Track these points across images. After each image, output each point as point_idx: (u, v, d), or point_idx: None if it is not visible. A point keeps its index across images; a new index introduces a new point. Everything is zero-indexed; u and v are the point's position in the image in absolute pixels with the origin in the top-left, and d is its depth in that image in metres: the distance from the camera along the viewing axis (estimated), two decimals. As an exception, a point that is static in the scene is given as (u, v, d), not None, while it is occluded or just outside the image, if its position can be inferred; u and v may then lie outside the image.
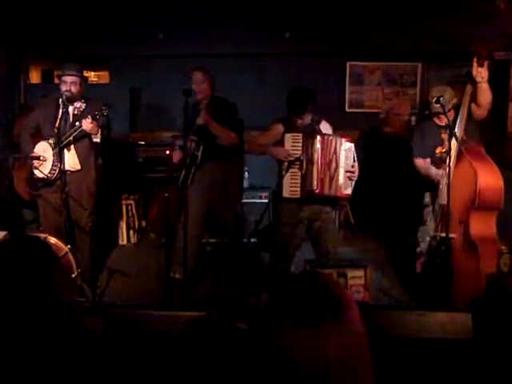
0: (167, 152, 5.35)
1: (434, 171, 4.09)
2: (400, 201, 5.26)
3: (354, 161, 3.91)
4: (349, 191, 3.91)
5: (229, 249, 5.10)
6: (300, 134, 3.86)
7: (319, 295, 1.01)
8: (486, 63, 3.67)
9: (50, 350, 1.21)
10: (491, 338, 2.93)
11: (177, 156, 4.50)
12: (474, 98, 3.83)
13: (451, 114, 3.96)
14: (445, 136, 3.99)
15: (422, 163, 4.20)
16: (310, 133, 3.88)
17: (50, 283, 1.27)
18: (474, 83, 3.76)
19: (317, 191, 3.83)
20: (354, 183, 3.93)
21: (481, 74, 3.70)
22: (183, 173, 4.27)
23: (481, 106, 3.84)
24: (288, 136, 3.89)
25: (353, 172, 3.89)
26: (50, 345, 1.22)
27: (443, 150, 4.00)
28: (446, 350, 2.84)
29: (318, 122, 4.02)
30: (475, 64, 3.68)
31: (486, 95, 3.78)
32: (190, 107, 4.17)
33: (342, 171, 3.86)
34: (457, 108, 3.94)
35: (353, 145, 3.93)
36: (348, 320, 1.00)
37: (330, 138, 3.90)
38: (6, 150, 5.63)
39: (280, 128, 3.99)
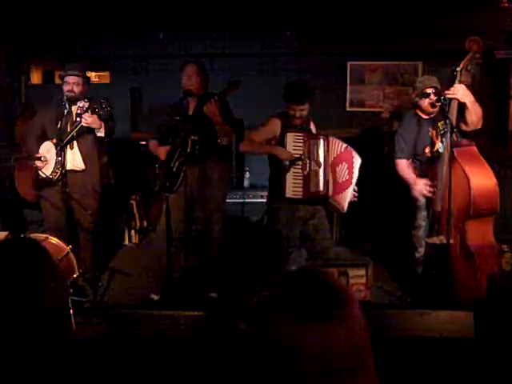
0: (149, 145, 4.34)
1: (416, 182, 3.88)
2: (393, 203, 5.15)
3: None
4: (346, 209, 3.79)
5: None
6: (302, 134, 3.81)
7: (321, 290, 1.01)
8: (470, 69, 3.44)
9: (34, 353, 1.21)
10: (493, 337, 2.93)
11: (163, 152, 4.09)
12: (461, 113, 3.61)
13: (437, 110, 3.86)
14: (433, 134, 3.90)
15: (405, 167, 4.01)
16: (313, 134, 3.83)
17: (38, 288, 1.26)
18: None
19: (323, 193, 3.79)
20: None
21: (456, 90, 3.46)
22: (172, 174, 3.96)
23: (469, 124, 3.65)
24: (290, 135, 3.81)
25: (356, 194, 3.78)
26: (34, 349, 1.22)
27: (434, 150, 3.88)
28: (447, 348, 2.84)
29: (309, 122, 3.97)
30: (459, 74, 3.47)
31: (472, 114, 3.55)
32: (171, 106, 4.14)
33: (351, 188, 3.72)
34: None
35: None
36: (352, 313, 1.00)
37: (336, 141, 3.80)
38: (6, 151, 5.62)
39: (278, 123, 3.89)
